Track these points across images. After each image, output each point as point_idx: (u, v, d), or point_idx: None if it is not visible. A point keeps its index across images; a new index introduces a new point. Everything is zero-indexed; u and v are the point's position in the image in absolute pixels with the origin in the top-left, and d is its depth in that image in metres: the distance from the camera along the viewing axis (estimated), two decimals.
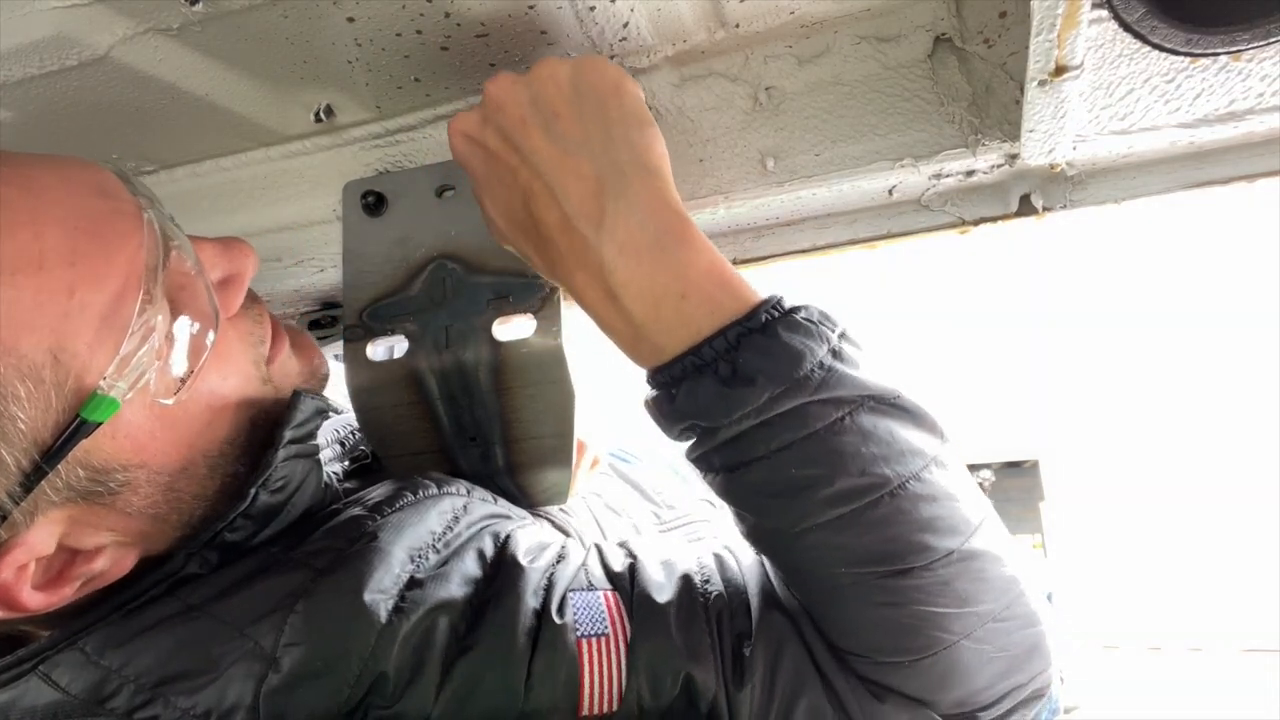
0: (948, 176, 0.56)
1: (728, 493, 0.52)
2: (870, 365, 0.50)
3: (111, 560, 0.50)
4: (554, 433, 0.66)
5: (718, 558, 0.57)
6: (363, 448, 0.69)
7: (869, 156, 0.56)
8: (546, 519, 0.73)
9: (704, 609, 0.53)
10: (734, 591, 0.55)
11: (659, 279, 0.48)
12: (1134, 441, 2.32)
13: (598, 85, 0.50)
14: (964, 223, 0.58)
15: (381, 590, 0.50)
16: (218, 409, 0.52)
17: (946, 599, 0.48)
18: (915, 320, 2.78)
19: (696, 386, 0.48)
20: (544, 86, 0.50)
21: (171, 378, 0.49)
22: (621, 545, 0.61)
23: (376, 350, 0.62)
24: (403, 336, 0.61)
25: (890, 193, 0.58)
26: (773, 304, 0.49)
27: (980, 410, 2.55)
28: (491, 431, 0.66)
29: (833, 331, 0.49)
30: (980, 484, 2.50)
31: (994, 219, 0.58)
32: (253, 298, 0.58)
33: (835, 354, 0.48)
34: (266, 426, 0.55)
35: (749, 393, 0.46)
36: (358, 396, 0.63)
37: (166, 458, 0.50)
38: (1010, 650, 0.50)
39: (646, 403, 0.52)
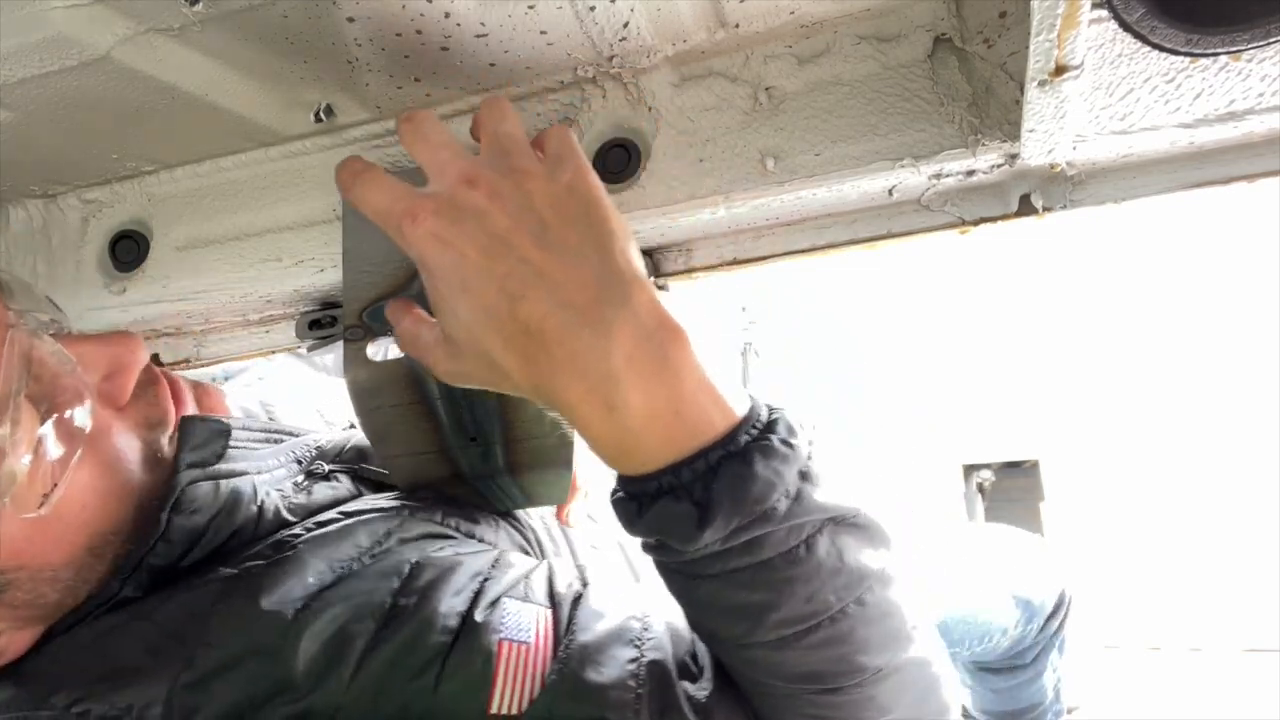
0: (948, 176, 0.56)
1: (676, 593, 0.53)
2: (834, 479, 0.50)
3: (7, 642, 0.54)
4: (554, 433, 0.66)
5: (665, 603, 0.57)
6: (320, 462, 0.70)
7: (869, 156, 0.56)
8: (513, 529, 0.74)
9: (637, 649, 0.53)
10: (678, 640, 0.55)
11: (658, 394, 0.46)
12: (1134, 441, 2.32)
13: (587, 199, 0.49)
14: (964, 223, 0.58)
15: (289, 594, 0.52)
16: (95, 506, 0.54)
17: (869, 711, 0.50)
18: (916, 320, 2.78)
19: (669, 508, 0.47)
20: (531, 198, 0.48)
21: (39, 487, 0.50)
22: (578, 568, 0.62)
23: (376, 350, 0.62)
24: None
25: (890, 193, 0.58)
26: (752, 423, 0.48)
27: (980, 410, 2.55)
28: (491, 431, 0.66)
29: (804, 448, 0.49)
30: (980, 484, 2.50)
31: (994, 219, 0.58)
32: (151, 379, 0.60)
33: (803, 475, 0.48)
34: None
35: (716, 525, 0.45)
36: (358, 396, 0.63)
37: (46, 558, 0.52)
38: None
39: (614, 501, 0.51)
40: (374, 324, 0.62)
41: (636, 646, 0.53)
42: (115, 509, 0.55)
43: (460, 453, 0.68)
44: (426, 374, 0.61)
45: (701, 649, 0.56)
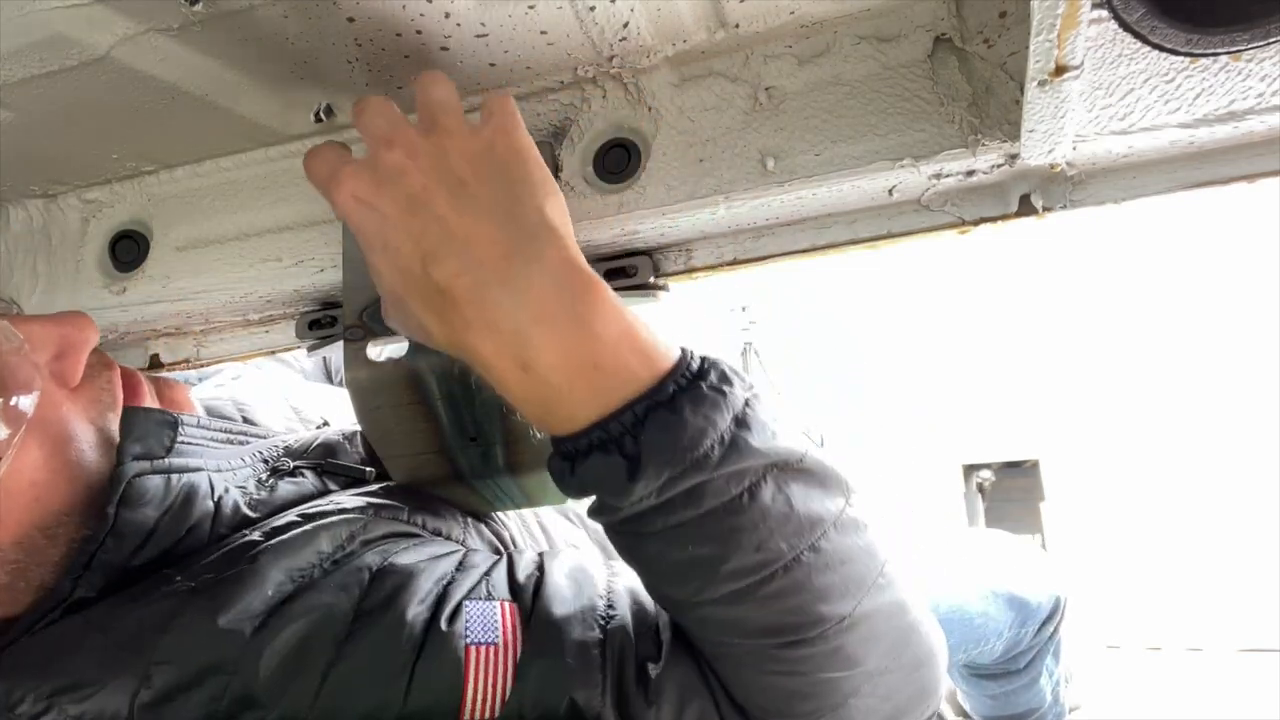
0: (948, 176, 0.56)
1: (626, 554, 0.52)
2: (778, 423, 0.49)
3: None
4: None
5: (630, 588, 0.58)
6: (285, 459, 0.70)
7: (869, 156, 0.56)
8: (485, 528, 0.74)
9: (602, 630, 0.53)
10: (642, 618, 0.55)
11: (574, 349, 0.46)
12: (1134, 441, 2.32)
13: (505, 156, 0.48)
14: (964, 223, 0.58)
15: (248, 610, 0.52)
16: (44, 484, 0.54)
17: (836, 663, 0.49)
18: (916, 320, 2.78)
19: (600, 463, 0.47)
20: (447, 156, 0.47)
21: None
22: (539, 555, 0.62)
23: (376, 350, 0.62)
24: (402, 337, 0.61)
25: (890, 193, 0.58)
26: (681, 372, 0.47)
27: (980, 410, 2.55)
28: (491, 431, 0.66)
29: (740, 394, 0.48)
30: (980, 484, 2.49)
31: (994, 219, 0.58)
32: (105, 364, 0.61)
33: (739, 421, 0.47)
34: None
35: (648, 475, 0.45)
36: (358, 396, 0.63)
37: None
38: (895, 698, 0.51)
39: (549, 464, 0.51)
40: (374, 324, 0.62)
41: (601, 627, 0.53)
42: (64, 488, 0.55)
43: (460, 453, 0.68)
44: (427, 374, 0.61)
45: (664, 621, 0.55)
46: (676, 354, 0.49)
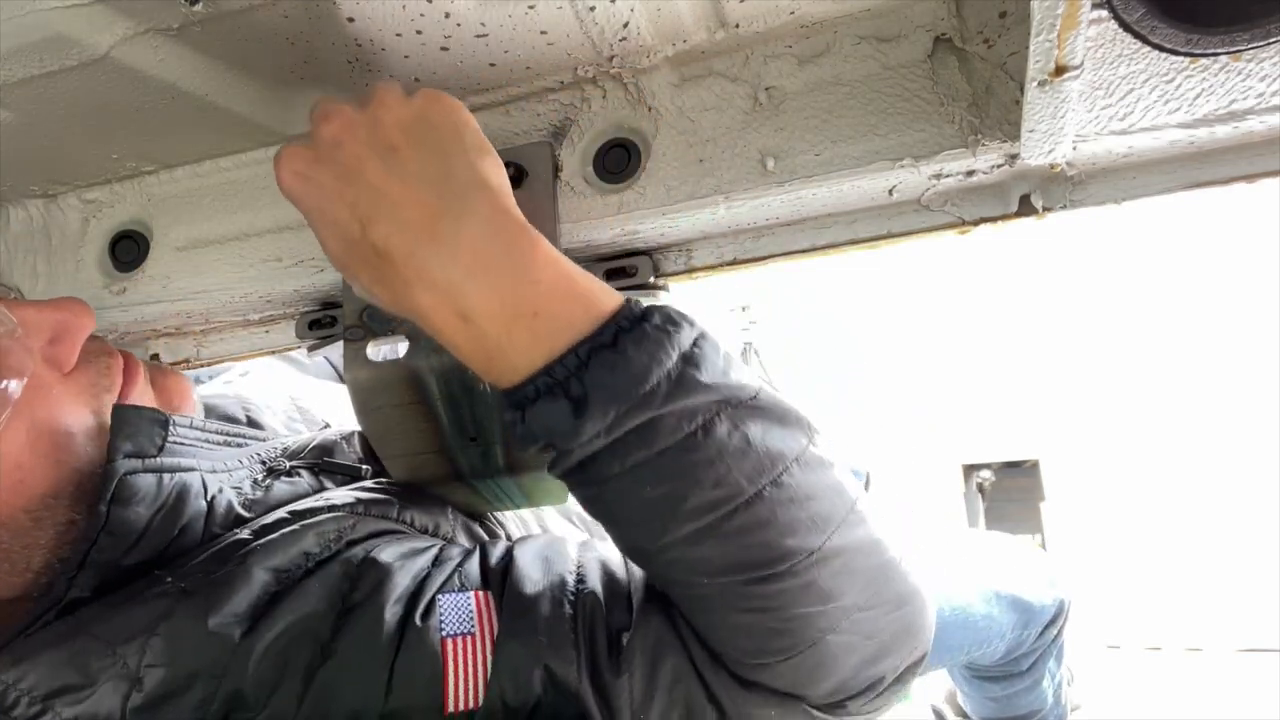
0: (948, 176, 0.56)
1: (589, 506, 0.52)
2: (729, 364, 0.49)
3: None
4: None
5: (601, 559, 0.58)
6: (282, 459, 0.70)
7: (869, 156, 0.56)
8: (479, 527, 0.74)
9: (573, 605, 0.54)
10: (613, 589, 0.55)
11: (510, 298, 0.46)
12: (1134, 441, 2.32)
13: (436, 121, 0.49)
14: (964, 223, 0.58)
15: (235, 612, 0.52)
16: (30, 466, 0.54)
17: (810, 598, 0.48)
18: (916, 320, 2.78)
19: (547, 408, 0.47)
20: (379, 126, 0.49)
21: None
22: (510, 541, 0.62)
23: (376, 350, 0.62)
24: (403, 336, 0.61)
25: (890, 193, 0.58)
26: (623, 315, 0.48)
27: (980, 410, 2.55)
28: (491, 431, 0.66)
29: (687, 333, 0.48)
30: (980, 484, 2.49)
31: (994, 219, 0.58)
32: (105, 351, 0.61)
33: (687, 359, 0.47)
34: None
35: (595, 414, 0.45)
36: (358, 396, 0.63)
37: None
38: (878, 636, 0.50)
39: (504, 417, 0.51)
40: (374, 324, 0.62)
41: (571, 602, 0.54)
42: (51, 473, 0.55)
43: (460, 453, 0.68)
44: (427, 374, 0.61)
45: (636, 585, 0.55)
46: (619, 300, 0.49)
